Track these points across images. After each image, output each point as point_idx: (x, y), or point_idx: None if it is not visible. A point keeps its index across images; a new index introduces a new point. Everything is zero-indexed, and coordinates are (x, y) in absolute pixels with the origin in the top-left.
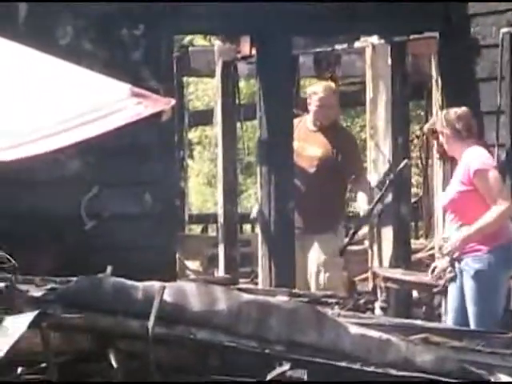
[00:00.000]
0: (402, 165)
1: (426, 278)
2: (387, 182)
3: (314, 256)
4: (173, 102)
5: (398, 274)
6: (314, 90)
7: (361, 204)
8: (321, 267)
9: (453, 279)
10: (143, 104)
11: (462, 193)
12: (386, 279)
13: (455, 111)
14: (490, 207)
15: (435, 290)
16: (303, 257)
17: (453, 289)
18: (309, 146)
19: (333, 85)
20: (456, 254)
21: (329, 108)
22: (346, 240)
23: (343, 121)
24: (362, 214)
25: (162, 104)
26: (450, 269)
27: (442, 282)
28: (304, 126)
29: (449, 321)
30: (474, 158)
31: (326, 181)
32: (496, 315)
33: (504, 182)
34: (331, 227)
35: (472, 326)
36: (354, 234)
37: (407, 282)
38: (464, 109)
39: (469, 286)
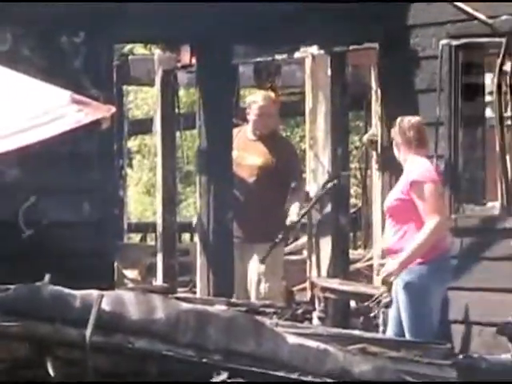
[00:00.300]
0: (328, 186)
1: (363, 288)
2: (313, 199)
3: (254, 265)
4: (113, 109)
5: (336, 284)
6: (254, 99)
7: (291, 214)
8: (261, 276)
9: (388, 305)
10: (84, 111)
11: (400, 201)
12: (324, 289)
13: (409, 120)
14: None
15: (372, 314)
16: (242, 266)
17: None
18: (248, 155)
19: (272, 94)
20: (392, 278)
21: (268, 117)
22: (271, 249)
23: (283, 131)
24: (287, 223)
25: (103, 111)
26: (385, 294)
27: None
28: (244, 135)
29: (388, 332)
30: (416, 168)
31: (266, 190)
32: (429, 327)
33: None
34: (271, 237)
35: (406, 338)
36: (275, 244)
37: (345, 292)
38: (417, 118)
39: (400, 297)
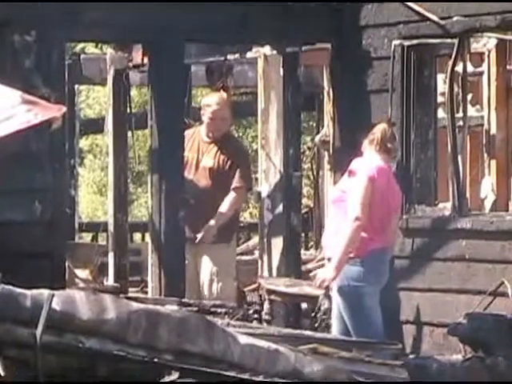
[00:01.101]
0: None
1: (308, 288)
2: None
3: (206, 266)
4: (64, 109)
5: (282, 285)
6: (208, 102)
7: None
8: (213, 277)
9: (326, 312)
10: (33, 111)
11: (340, 191)
12: (269, 292)
13: (378, 125)
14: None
15: (317, 325)
16: (195, 266)
17: (334, 296)
18: (203, 157)
19: (225, 96)
20: (327, 283)
21: (221, 120)
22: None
23: (235, 131)
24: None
25: (53, 111)
26: (324, 302)
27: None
28: (198, 136)
29: (334, 331)
30: (364, 162)
31: (219, 191)
32: (371, 325)
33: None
34: (224, 237)
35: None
36: None
37: (288, 295)
38: (384, 124)
39: (338, 301)
